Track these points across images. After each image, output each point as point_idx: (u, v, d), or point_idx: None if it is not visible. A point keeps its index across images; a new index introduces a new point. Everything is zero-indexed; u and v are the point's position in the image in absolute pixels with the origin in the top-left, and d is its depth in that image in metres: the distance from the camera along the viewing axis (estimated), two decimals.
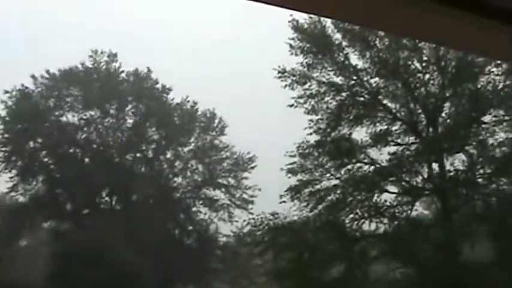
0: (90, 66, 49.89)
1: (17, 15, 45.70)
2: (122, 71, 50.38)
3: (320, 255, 29.97)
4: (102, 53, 49.83)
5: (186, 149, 54.30)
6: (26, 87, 47.83)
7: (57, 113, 48.98)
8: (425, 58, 31.05)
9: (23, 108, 47.10)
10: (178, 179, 53.89)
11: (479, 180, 30.10)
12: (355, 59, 31.74)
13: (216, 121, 53.15)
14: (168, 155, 53.18)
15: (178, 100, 52.07)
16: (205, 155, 54.24)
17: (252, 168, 54.19)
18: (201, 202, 53.24)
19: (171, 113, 51.96)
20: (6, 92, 46.74)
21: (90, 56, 49.66)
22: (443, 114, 31.21)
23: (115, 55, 50.09)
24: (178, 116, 52.92)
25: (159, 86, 51.44)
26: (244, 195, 54.00)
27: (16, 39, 46.58)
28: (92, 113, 49.70)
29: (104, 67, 49.81)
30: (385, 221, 30.37)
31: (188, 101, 52.71)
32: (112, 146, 50.25)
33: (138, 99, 50.48)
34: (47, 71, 48.62)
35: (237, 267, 47.90)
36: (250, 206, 52.84)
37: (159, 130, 52.05)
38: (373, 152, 31.40)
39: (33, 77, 48.19)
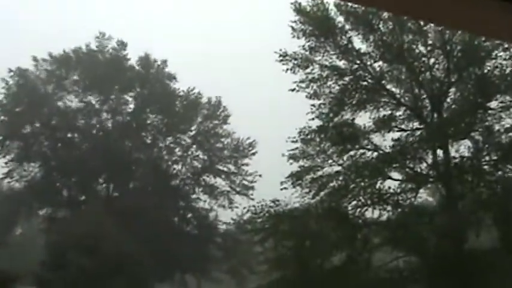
0: (95, 48, 49.68)
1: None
2: (129, 58, 50.35)
3: (322, 243, 29.86)
4: (109, 38, 49.73)
5: (186, 136, 54.33)
6: (26, 69, 47.83)
7: (56, 97, 48.88)
8: (430, 42, 30.81)
9: (21, 90, 47.03)
10: (178, 166, 53.94)
11: (485, 167, 29.93)
12: (358, 43, 31.60)
13: (220, 110, 53.15)
14: (168, 142, 53.18)
15: (183, 88, 52.12)
16: (206, 142, 54.15)
17: (253, 154, 54.10)
18: (200, 189, 53.21)
19: (173, 99, 51.85)
20: (11, 70, 46.73)
21: (97, 38, 49.53)
22: (448, 100, 31.04)
23: (125, 44, 49.91)
24: (181, 102, 52.82)
25: (164, 72, 51.48)
26: (245, 182, 53.99)
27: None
28: (92, 97, 49.60)
29: (110, 52, 49.64)
30: (389, 208, 30.30)
31: (193, 90, 52.58)
32: (111, 132, 50.03)
33: (141, 85, 50.31)
34: (50, 54, 48.56)
35: (237, 255, 47.98)
36: (250, 192, 52.88)
37: (160, 116, 51.90)
38: (376, 138, 31.45)
39: (34, 59, 48.09)
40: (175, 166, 53.23)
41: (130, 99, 50.26)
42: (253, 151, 53.88)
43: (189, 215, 52.32)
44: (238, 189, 53.57)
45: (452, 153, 30.00)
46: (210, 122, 53.66)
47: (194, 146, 53.41)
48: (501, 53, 29.46)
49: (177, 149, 53.05)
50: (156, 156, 51.66)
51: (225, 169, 53.62)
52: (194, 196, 52.71)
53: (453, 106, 31.06)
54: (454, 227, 28.49)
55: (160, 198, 48.54)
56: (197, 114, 52.71)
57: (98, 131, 49.14)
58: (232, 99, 47.88)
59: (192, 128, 53.11)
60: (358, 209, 30.59)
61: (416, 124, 31.54)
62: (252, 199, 43.85)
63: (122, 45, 49.94)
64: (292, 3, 31.40)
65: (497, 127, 29.91)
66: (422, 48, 31.01)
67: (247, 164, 54.28)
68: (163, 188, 49.48)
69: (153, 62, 50.45)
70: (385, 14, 30.12)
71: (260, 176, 52.86)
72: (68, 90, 48.40)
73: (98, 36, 49.44)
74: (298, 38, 31.81)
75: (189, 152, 53.76)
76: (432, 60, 30.95)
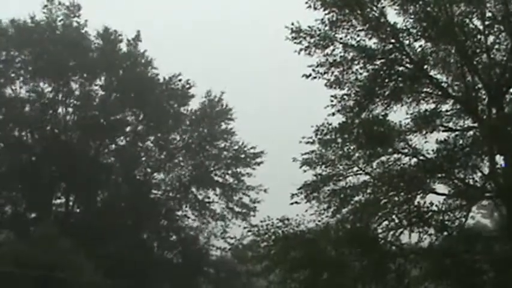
0: (43, 20, 48.32)
1: None
2: (85, 30, 49.07)
3: (344, 274, 28.88)
4: (60, 3, 48.48)
5: (173, 136, 53.25)
6: None
7: None
8: (489, 14, 29.69)
9: None
10: (160, 175, 52.85)
11: None
12: (393, 16, 30.55)
13: (221, 106, 52.27)
14: (148, 143, 52.12)
15: (165, 75, 50.92)
16: (197, 146, 53.18)
17: (257, 164, 53.12)
18: (188, 205, 52.14)
19: (154, 88, 50.71)
20: None
21: (45, 6, 48.35)
22: (511, 90, 29.85)
23: (78, 7, 48.70)
24: (164, 94, 51.79)
25: (144, 54, 50.45)
26: (245, 199, 53.00)
27: None
28: (46, 84, 48.20)
29: (62, 23, 48.40)
30: (431, 231, 29.42)
31: (179, 75, 51.48)
32: (72, 129, 48.68)
33: (109, 69, 49.06)
34: None
35: None
36: (251, 214, 51.92)
37: (137, 110, 50.62)
38: (415, 140, 30.55)
39: None
40: (156, 174, 52.27)
41: (96, 87, 49.28)
42: (258, 160, 53.01)
43: (173, 238, 51.25)
44: (236, 209, 52.65)
45: None
46: (205, 120, 52.79)
47: (183, 151, 52.54)
48: None
49: (157, 153, 52.18)
50: (132, 161, 50.57)
51: (221, 180, 52.73)
52: (180, 213, 51.77)
53: None
54: None
55: (136, 216, 47.35)
56: (185, 109, 51.84)
57: (54, 128, 47.72)
58: (234, 90, 47.75)
59: (181, 127, 52.21)
60: (391, 232, 29.79)
61: (468, 122, 30.68)
62: (252, 225, 42.94)
63: (75, 8, 48.65)
64: None
65: None
66: (478, 23, 29.86)
67: (249, 174, 53.36)
68: (139, 202, 48.33)
69: (116, 38, 49.30)
70: None
71: (265, 191, 51.94)
72: (14, 74, 47.17)
73: (46, 5, 48.17)
74: (315, 8, 30.93)
75: (176, 160, 52.72)
76: (491, 39, 29.86)
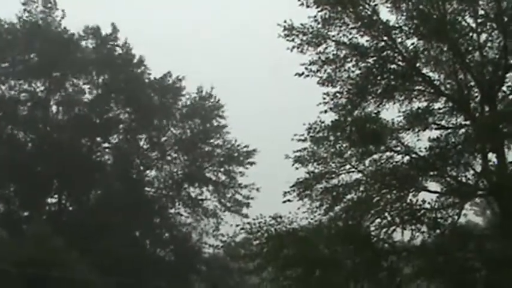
0: (27, 21, 47.90)
1: None
2: (68, 29, 48.76)
3: (336, 272, 28.69)
4: (34, 1, 48.11)
5: (164, 133, 52.91)
6: None
7: None
8: (481, 12, 29.53)
9: None
10: (152, 172, 52.56)
11: None
12: (385, 13, 30.42)
13: (212, 100, 52.02)
14: (140, 138, 51.76)
15: (156, 73, 50.71)
16: (190, 143, 52.90)
17: (250, 164, 52.91)
18: (181, 202, 51.88)
19: (144, 86, 50.42)
20: None
21: (24, 10, 47.95)
22: (504, 88, 29.67)
23: (54, 2, 48.25)
24: (153, 90, 51.52)
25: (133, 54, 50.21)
26: (238, 196, 52.78)
27: None
28: (38, 83, 47.82)
29: (42, 21, 47.97)
30: (424, 228, 29.24)
31: (169, 74, 51.29)
32: (64, 127, 48.31)
33: (100, 67, 48.76)
34: None
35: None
36: (244, 210, 51.70)
37: (129, 108, 50.28)
38: (408, 137, 30.36)
39: None
40: (148, 172, 51.94)
41: (87, 85, 48.99)
42: (251, 160, 52.81)
43: (166, 235, 50.95)
44: (229, 204, 52.49)
45: (510, 158, 28.97)
46: (196, 115, 52.54)
47: (175, 148, 52.22)
48: None
49: (149, 151, 51.81)
50: (124, 159, 50.25)
51: (213, 177, 52.50)
52: (172, 211, 51.48)
53: (510, 96, 29.77)
54: (509, 254, 26.92)
55: (129, 213, 46.95)
56: (177, 106, 51.50)
57: (46, 126, 47.40)
58: (225, 87, 47.66)
59: (172, 122, 51.95)
60: (384, 230, 29.51)
61: (460, 120, 30.49)
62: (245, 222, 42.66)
63: (52, 4, 48.21)
64: None
65: None
66: (470, 21, 29.82)
67: (241, 173, 53.19)
68: (132, 200, 47.93)
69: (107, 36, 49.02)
70: None
71: (258, 190, 51.76)
72: (5, 73, 46.85)
73: (24, 8, 47.90)
74: (307, 6, 30.76)
75: (169, 157, 52.38)
76: (483, 37, 29.70)
